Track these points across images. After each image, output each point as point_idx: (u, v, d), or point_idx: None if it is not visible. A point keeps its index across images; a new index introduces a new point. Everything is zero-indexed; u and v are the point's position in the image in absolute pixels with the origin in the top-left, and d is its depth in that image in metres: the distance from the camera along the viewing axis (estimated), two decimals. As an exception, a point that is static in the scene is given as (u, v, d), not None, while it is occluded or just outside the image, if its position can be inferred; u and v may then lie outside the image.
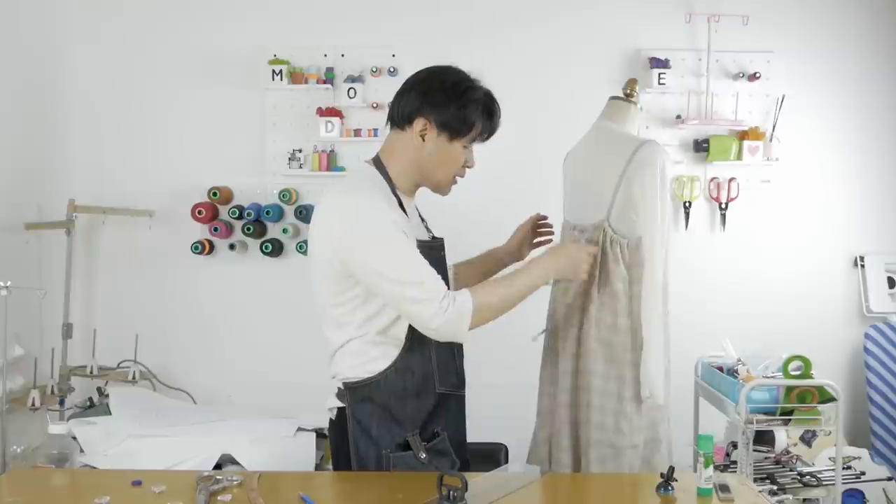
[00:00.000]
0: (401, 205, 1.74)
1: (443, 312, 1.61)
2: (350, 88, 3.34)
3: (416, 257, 1.64)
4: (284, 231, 3.36)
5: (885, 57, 3.45)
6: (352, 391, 1.72)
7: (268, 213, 3.34)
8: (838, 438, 2.50)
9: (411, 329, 1.69)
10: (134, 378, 3.11)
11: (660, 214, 1.87)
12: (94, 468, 2.16)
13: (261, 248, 3.37)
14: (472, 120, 1.73)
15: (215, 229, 3.35)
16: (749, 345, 2.81)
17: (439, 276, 1.66)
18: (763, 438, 2.82)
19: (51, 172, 3.27)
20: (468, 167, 1.80)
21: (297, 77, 3.35)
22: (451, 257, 1.92)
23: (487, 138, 1.80)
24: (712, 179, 3.41)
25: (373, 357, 1.70)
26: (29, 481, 1.65)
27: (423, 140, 1.73)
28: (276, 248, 3.36)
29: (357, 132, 3.38)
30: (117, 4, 3.42)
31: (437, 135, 1.73)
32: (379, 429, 1.71)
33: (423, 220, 1.88)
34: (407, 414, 1.72)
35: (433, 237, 1.86)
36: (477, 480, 1.52)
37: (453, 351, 1.80)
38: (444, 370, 1.76)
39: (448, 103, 1.72)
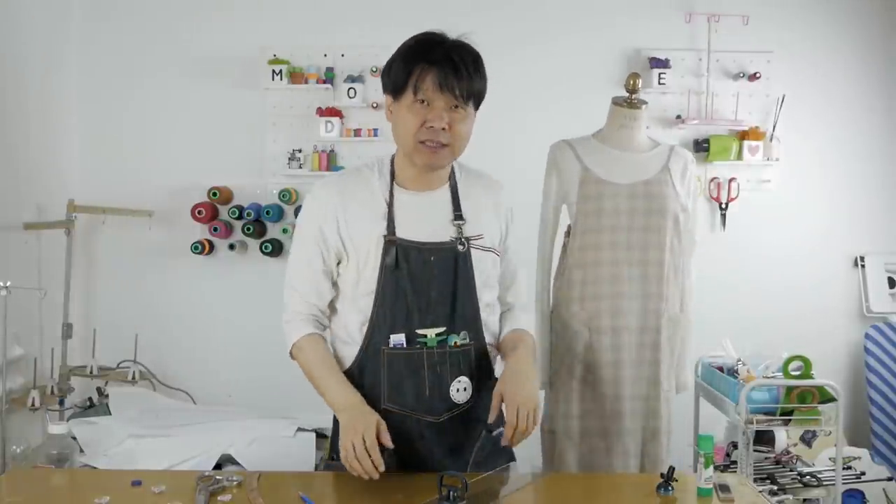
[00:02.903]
0: (392, 196, 1.65)
1: (285, 315, 1.70)
2: (350, 88, 3.33)
3: (308, 256, 1.66)
4: (284, 231, 3.36)
5: (885, 57, 3.45)
6: None
7: (268, 213, 3.34)
8: (838, 438, 2.50)
9: (368, 332, 1.64)
10: (134, 378, 3.11)
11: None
12: (94, 468, 2.16)
13: (261, 248, 3.36)
14: (398, 67, 1.60)
15: (215, 229, 3.35)
16: (749, 345, 2.81)
17: (311, 290, 1.67)
18: (763, 438, 2.82)
19: (51, 172, 3.26)
20: (431, 127, 1.57)
21: (297, 77, 3.35)
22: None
23: (446, 84, 1.56)
24: (712, 179, 3.41)
25: (343, 355, 1.70)
26: (29, 481, 1.65)
27: (391, 114, 1.67)
28: (276, 248, 3.36)
29: (357, 132, 3.37)
30: (117, 4, 3.42)
31: (390, 103, 1.65)
32: (335, 432, 1.70)
33: (459, 217, 1.67)
34: None
35: (456, 239, 1.64)
36: (477, 480, 1.51)
37: (419, 370, 1.61)
38: (397, 387, 1.62)
39: (388, 65, 1.65)
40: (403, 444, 1.62)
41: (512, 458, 1.72)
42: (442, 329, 1.62)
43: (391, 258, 1.60)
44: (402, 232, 1.63)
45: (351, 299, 1.67)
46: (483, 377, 1.69)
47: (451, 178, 1.71)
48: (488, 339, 1.72)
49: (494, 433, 1.66)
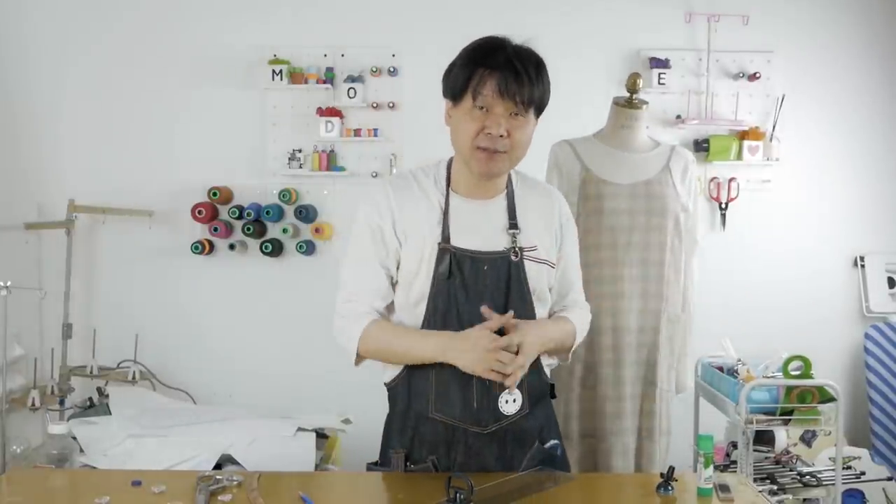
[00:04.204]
0: (447, 202, 1.62)
1: (340, 317, 1.62)
2: (350, 88, 3.33)
3: (366, 256, 1.62)
4: (284, 231, 3.36)
5: (885, 57, 3.44)
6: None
7: (268, 213, 3.34)
8: (838, 438, 2.50)
9: None
10: (134, 378, 3.11)
11: None
12: (94, 468, 2.16)
13: (261, 248, 3.37)
14: (458, 71, 1.55)
15: (215, 229, 3.35)
16: (749, 345, 2.81)
17: (370, 289, 1.61)
18: (763, 438, 2.83)
19: (51, 172, 3.27)
20: (489, 133, 1.53)
21: (297, 77, 3.35)
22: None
23: (506, 90, 1.52)
24: (712, 179, 3.41)
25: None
26: (29, 481, 1.65)
27: (450, 118, 1.62)
28: (276, 248, 3.36)
29: (357, 132, 3.37)
30: (117, 4, 3.42)
31: (450, 107, 1.61)
32: (385, 437, 1.70)
33: (514, 226, 1.63)
34: (397, 429, 1.67)
35: (509, 248, 1.61)
36: (487, 486, 1.50)
37: (467, 380, 1.57)
38: (444, 396, 1.59)
39: (448, 69, 1.60)
40: (449, 453, 1.61)
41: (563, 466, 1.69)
42: None
43: (445, 267, 1.57)
44: (457, 240, 1.59)
45: (403, 306, 1.64)
46: (536, 390, 1.65)
47: (509, 186, 1.67)
48: (542, 353, 1.66)
49: (547, 445, 1.65)
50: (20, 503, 1.50)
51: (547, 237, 1.67)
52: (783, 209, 3.44)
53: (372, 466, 1.70)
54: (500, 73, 1.52)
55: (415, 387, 1.62)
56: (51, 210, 3.17)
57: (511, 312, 1.54)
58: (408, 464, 1.63)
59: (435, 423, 1.61)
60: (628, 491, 1.68)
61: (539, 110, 1.61)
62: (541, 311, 1.66)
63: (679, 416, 2.54)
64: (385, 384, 1.70)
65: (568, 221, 1.74)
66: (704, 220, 3.39)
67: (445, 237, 1.59)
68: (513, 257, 1.60)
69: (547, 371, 1.71)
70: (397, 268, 1.64)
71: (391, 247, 1.62)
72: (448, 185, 1.65)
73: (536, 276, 1.63)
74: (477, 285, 1.58)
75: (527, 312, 1.62)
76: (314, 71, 3.37)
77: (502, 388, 1.57)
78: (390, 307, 1.67)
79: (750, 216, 3.41)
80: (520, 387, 1.60)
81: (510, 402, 1.59)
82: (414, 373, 1.62)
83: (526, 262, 1.61)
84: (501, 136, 1.54)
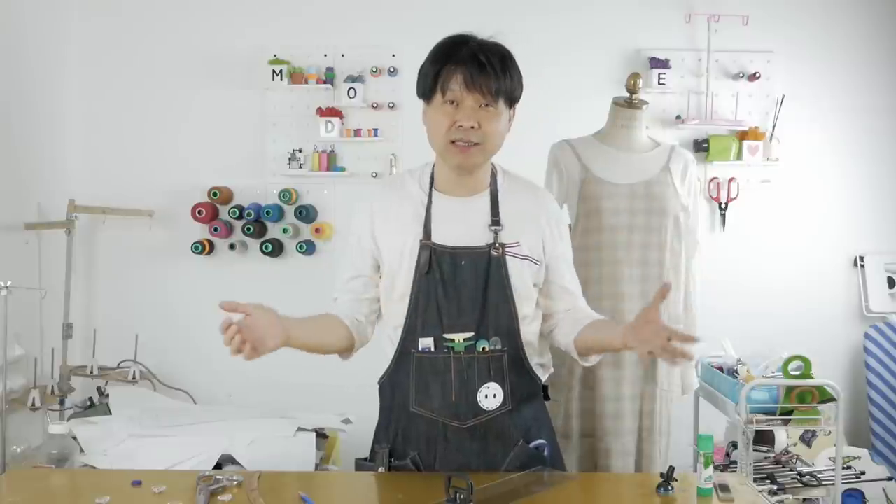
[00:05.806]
0: (430, 201, 1.66)
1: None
2: (350, 88, 3.33)
3: (346, 264, 1.73)
4: (284, 231, 3.36)
5: (886, 57, 3.44)
6: None
7: (268, 213, 3.34)
8: (838, 438, 2.51)
9: (402, 336, 1.64)
10: (134, 378, 3.11)
11: None
12: (94, 468, 2.16)
13: (261, 248, 3.37)
14: (427, 70, 1.61)
15: (215, 229, 3.35)
16: (749, 345, 2.81)
17: (343, 284, 1.72)
18: (763, 438, 2.83)
19: (51, 172, 3.26)
20: (461, 126, 1.57)
21: (297, 77, 3.35)
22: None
23: (473, 82, 1.56)
24: (712, 179, 3.41)
25: (385, 356, 1.70)
26: (29, 481, 1.65)
27: (425, 116, 1.67)
28: (276, 248, 3.36)
29: (357, 132, 3.37)
30: (117, 4, 3.42)
31: (424, 107, 1.66)
32: (375, 434, 1.72)
33: (496, 223, 1.65)
34: (384, 425, 1.70)
35: (490, 244, 1.63)
36: (490, 484, 1.50)
37: (445, 373, 1.61)
38: (424, 390, 1.62)
39: (420, 68, 1.65)
40: (430, 447, 1.64)
41: (555, 468, 1.69)
42: (470, 334, 1.60)
43: (424, 262, 1.61)
44: (438, 237, 1.63)
45: (388, 301, 1.69)
46: (521, 388, 1.65)
47: (493, 184, 1.70)
48: (528, 351, 1.67)
49: (532, 445, 1.66)
50: (20, 503, 1.50)
51: (531, 234, 1.68)
52: (783, 209, 3.44)
53: (360, 462, 1.72)
54: (466, 66, 1.57)
55: (398, 382, 1.66)
56: (51, 210, 3.17)
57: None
58: (392, 459, 1.65)
59: (416, 417, 1.63)
60: (628, 491, 1.68)
61: (510, 101, 1.64)
62: (523, 307, 1.66)
63: (679, 416, 2.54)
64: (378, 382, 1.72)
65: (558, 223, 1.74)
66: (704, 220, 3.40)
67: (427, 234, 1.64)
68: (493, 253, 1.63)
69: (539, 372, 1.71)
70: (378, 267, 1.71)
71: (366, 248, 1.70)
72: (432, 184, 1.69)
73: (518, 272, 1.65)
74: (454, 280, 1.62)
75: (507, 307, 1.64)
76: (314, 71, 3.37)
77: (481, 382, 1.61)
78: (373, 303, 1.73)
79: (750, 216, 3.41)
80: (501, 383, 1.62)
81: (489, 398, 1.61)
82: (399, 368, 1.65)
83: (508, 258, 1.63)
84: (473, 127, 1.58)
